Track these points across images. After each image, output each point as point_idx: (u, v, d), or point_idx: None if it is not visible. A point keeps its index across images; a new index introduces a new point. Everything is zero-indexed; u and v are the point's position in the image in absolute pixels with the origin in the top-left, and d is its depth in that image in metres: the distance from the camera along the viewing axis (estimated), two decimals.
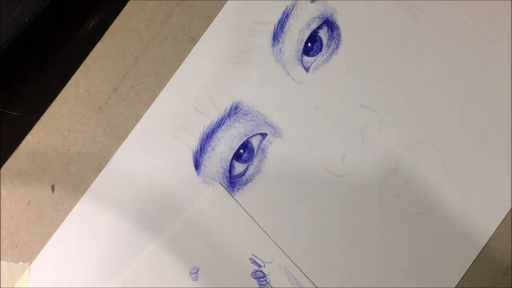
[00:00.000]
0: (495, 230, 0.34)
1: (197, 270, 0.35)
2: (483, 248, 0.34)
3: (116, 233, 0.35)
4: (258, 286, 0.35)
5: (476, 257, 0.34)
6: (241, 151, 0.35)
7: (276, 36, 0.36)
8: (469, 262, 0.34)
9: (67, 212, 0.36)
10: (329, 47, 0.36)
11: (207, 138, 0.36)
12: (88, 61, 0.37)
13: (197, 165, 0.36)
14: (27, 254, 0.36)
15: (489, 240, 0.34)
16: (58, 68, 0.37)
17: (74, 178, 0.36)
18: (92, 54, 0.37)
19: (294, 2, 0.36)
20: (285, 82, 0.36)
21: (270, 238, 0.35)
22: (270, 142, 0.36)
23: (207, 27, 0.36)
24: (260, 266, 0.35)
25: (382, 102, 0.35)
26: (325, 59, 0.36)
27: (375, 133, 0.35)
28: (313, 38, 0.36)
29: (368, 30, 0.36)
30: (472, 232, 0.35)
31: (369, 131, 0.35)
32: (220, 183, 0.36)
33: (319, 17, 0.36)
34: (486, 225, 0.35)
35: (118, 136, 0.36)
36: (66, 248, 0.36)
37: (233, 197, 0.35)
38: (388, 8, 0.36)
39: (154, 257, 0.35)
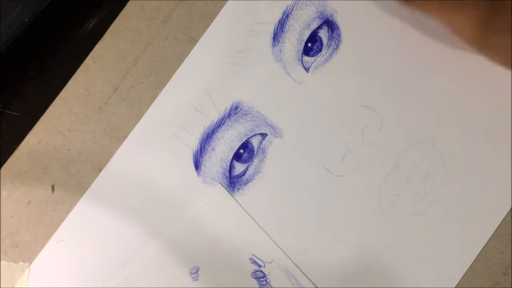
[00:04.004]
0: (495, 230, 0.34)
1: (197, 270, 0.35)
2: (483, 248, 0.34)
3: (116, 233, 0.35)
4: (258, 286, 0.35)
5: (476, 257, 0.34)
6: (241, 151, 0.35)
7: (276, 36, 0.36)
8: (469, 262, 0.34)
9: (67, 212, 0.36)
10: (329, 47, 0.36)
11: (207, 138, 0.36)
12: (88, 61, 0.37)
13: (197, 165, 0.36)
14: (27, 254, 0.36)
15: (489, 240, 0.34)
16: (58, 68, 0.37)
17: (74, 178, 0.36)
18: (92, 54, 0.37)
19: (294, 2, 0.36)
20: (285, 82, 0.36)
21: (270, 238, 0.35)
22: (270, 142, 0.36)
23: (207, 27, 0.36)
24: (260, 266, 0.35)
25: (382, 102, 0.35)
26: (325, 59, 0.36)
27: (375, 133, 0.35)
28: (313, 38, 0.36)
29: (368, 30, 0.36)
30: (472, 232, 0.35)
31: (369, 131, 0.35)
32: (220, 183, 0.36)
33: (319, 17, 0.36)
34: (486, 225, 0.35)
35: (118, 136, 0.36)
36: (66, 248, 0.36)
37: (233, 197, 0.35)
38: (388, 8, 0.36)
39: (154, 257, 0.35)
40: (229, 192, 0.35)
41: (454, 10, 0.28)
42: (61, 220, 0.36)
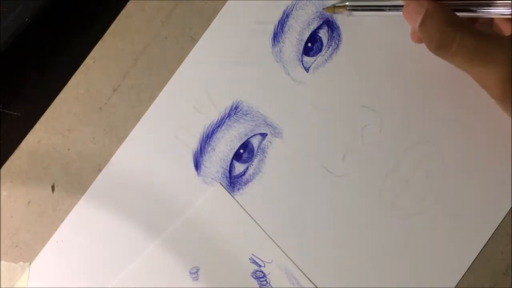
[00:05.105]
0: (495, 230, 0.34)
1: (197, 270, 0.35)
2: (483, 248, 0.34)
3: (116, 233, 0.35)
4: (258, 286, 0.35)
5: (476, 257, 0.34)
6: (241, 151, 0.35)
7: (276, 36, 0.36)
8: (469, 262, 0.34)
9: (67, 212, 0.36)
10: (329, 47, 0.36)
11: (207, 138, 0.36)
12: (88, 61, 0.37)
13: (197, 165, 0.36)
14: (27, 254, 0.36)
15: (489, 240, 0.34)
16: (58, 68, 0.37)
17: (74, 178, 0.36)
18: (92, 54, 0.37)
19: (294, 2, 0.36)
20: (285, 82, 0.36)
21: (270, 238, 0.35)
22: (270, 142, 0.36)
23: (207, 27, 0.36)
24: (260, 266, 0.35)
25: (382, 102, 0.35)
26: (325, 59, 0.36)
27: (375, 133, 0.35)
28: (313, 38, 0.36)
29: (368, 30, 0.36)
30: (472, 232, 0.35)
31: (369, 131, 0.35)
32: (220, 183, 0.36)
33: (319, 17, 0.36)
34: (486, 225, 0.35)
35: (118, 136, 0.36)
36: (66, 248, 0.36)
37: (233, 197, 0.35)
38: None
39: (154, 257, 0.35)
40: (229, 192, 0.35)
41: (483, 65, 0.28)
42: (61, 220, 0.36)
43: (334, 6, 0.34)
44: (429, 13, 0.30)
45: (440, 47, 0.29)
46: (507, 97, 0.28)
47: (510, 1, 0.29)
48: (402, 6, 0.31)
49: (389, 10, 0.32)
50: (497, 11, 0.30)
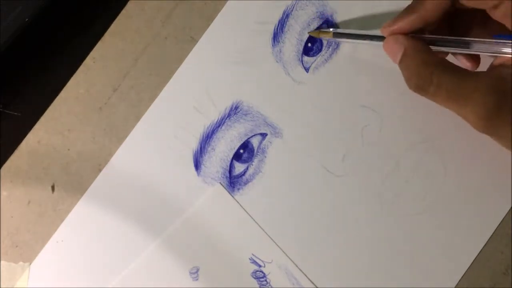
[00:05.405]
0: (495, 230, 0.34)
1: (197, 270, 0.35)
2: (483, 248, 0.34)
3: (116, 233, 0.36)
4: (258, 286, 0.35)
5: (476, 257, 0.34)
6: (241, 151, 0.35)
7: (276, 36, 0.36)
8: (469, 262, 0.34)
9: (67, 212, 0.36)
10: (329, 47, 0.36)
11: (207, 138, 0.36)
12: (88, 61, 0.37)
13: (197, 165, 0.36)
14: (27, 254, 0.36)
15: (489, 240, 0.34)
16: (58, 68, 0.37)
17: (74, 178, 0.36)
18: (92, 54, 0.37)
19: (294, 2, 0.36)
20: (285, 82, 0.36)
21: (270, 238, 0.35)
22: (270, 142, 0.36)
23: (207, 27, 0.36)
24: (260, 266, 0.35)
25: (382, 102, 0.35)
26: (325, 59, 0.36)
27: (375, 133, 0.35)
28: (314, 38, 0.36)
29: (368, 30, 0.36)
30: (472, 232, 0.35)
31: (369, 131, 0.35)
32: (220, 183, 0.36)
33: (319, 17, 0.36)
34: (486, 225, 0.35)
35: (118, 136, 0.36)
36: (66, 248, 0.36)
37: (233, 197, 0.35)
38: (389, 8, 0.36)
39: (154, 257, 0.35)
40: (229, 192, 0.35)
41: (461, 104, 0.29)
42: (61, 220, 0.36)
43: (320, 31, 0.35)
44: (406, 54, 0.30)
45: (418, 89, 0.30)
46: (489, 131, 0.29)
47: (489, 40, 0.30)
48: (384, 37, 0.32)
49: (371, 40, 0.33)
50: (475, 49, 0.30)
